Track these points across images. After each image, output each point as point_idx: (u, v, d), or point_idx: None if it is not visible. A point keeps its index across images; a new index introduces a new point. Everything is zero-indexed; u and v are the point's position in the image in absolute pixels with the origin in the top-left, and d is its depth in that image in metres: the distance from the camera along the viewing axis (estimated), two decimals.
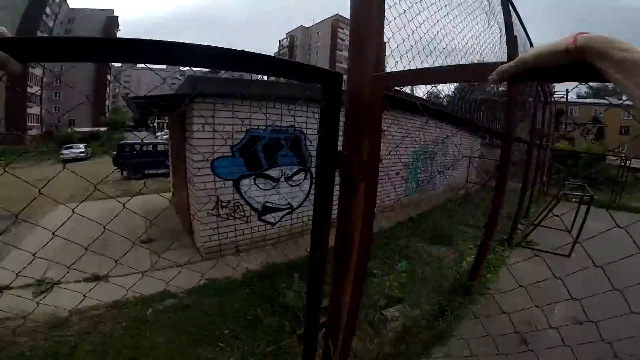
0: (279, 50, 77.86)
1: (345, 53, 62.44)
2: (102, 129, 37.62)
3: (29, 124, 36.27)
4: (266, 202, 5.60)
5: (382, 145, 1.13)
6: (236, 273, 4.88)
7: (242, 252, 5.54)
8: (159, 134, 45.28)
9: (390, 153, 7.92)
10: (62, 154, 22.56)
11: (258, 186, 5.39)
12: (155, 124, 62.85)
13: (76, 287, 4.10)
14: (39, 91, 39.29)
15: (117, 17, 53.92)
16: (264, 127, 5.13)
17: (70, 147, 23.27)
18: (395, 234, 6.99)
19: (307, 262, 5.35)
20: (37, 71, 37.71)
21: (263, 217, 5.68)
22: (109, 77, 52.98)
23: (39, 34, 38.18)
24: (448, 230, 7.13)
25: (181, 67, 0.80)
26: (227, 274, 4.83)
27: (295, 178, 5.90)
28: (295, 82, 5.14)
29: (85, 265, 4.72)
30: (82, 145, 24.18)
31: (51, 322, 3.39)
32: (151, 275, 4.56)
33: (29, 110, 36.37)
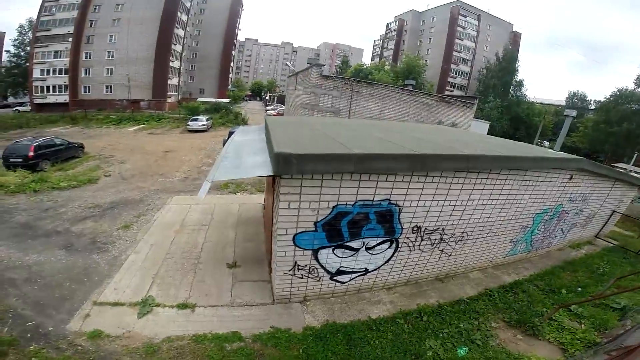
0: (386, 33, 73.55)
1: (467, 42, 54.26)
2: (224, 100, 41.46)
3: (169, 92, 43.71)
4: (341, 267, 5.37)
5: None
6: (297, 325, 4.97)
7: (309, 301, 5.55)
8: (268, 107, 49.55)
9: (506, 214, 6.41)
10: (189, 124, 25.82)
11: (336, 255, 5.15)
12: (267, 97, 69.23)
13: (170, 313, 5.10)
14: (179, 65, 46.86)
15: None
16: (352, 202, 4.66)
17: (196, 120, 26.25)
18: (474, 306, 5.83)
19: (363, 329, 4.62)
20: (177, 47, 44.69)
21: (335, 278, 5.52)
22: (233, 52, 59.42)
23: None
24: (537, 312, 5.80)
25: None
26: (290, 324, 4.97)
27: (377, 247, 5.39)
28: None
29: (180, 285, 5.65)
30: (204, 118, 26.80)
31: (147, 347, 4.29)
32: (228, 311, 4.90)
33: (169, 81, 43.67)
